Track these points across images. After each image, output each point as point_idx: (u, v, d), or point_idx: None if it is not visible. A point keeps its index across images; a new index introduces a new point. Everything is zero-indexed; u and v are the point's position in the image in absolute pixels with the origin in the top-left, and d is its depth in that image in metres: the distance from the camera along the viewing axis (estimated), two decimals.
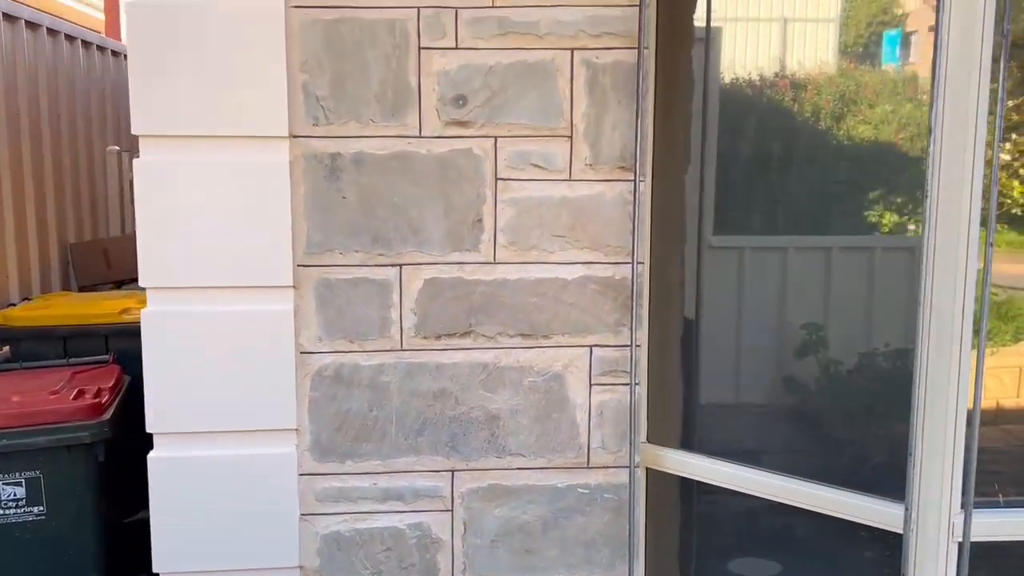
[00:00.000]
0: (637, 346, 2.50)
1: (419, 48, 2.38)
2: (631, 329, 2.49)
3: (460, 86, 2.39)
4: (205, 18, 2.30)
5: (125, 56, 6.42)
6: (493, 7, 2.37)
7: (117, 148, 5.87)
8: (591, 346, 2.53)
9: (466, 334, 2.50)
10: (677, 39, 2.49)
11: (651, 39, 2.42)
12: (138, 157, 2.36)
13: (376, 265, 2.46)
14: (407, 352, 2.50)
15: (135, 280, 5.12)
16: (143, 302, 4.05)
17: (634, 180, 2.43)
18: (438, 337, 2.50)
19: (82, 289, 5.17)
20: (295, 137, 2.39)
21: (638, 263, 2.46)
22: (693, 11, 2.52)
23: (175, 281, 2.40)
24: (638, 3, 2.35)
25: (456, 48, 2.38)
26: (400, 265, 2.47)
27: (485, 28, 2.37)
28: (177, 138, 2.34)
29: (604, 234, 2.48)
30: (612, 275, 2.50)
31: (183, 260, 2.39)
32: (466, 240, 2.47)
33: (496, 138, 2.43)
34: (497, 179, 2.44)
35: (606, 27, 2.38)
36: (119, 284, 5.15)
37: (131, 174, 5.73)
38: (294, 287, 2.43)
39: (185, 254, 2.38)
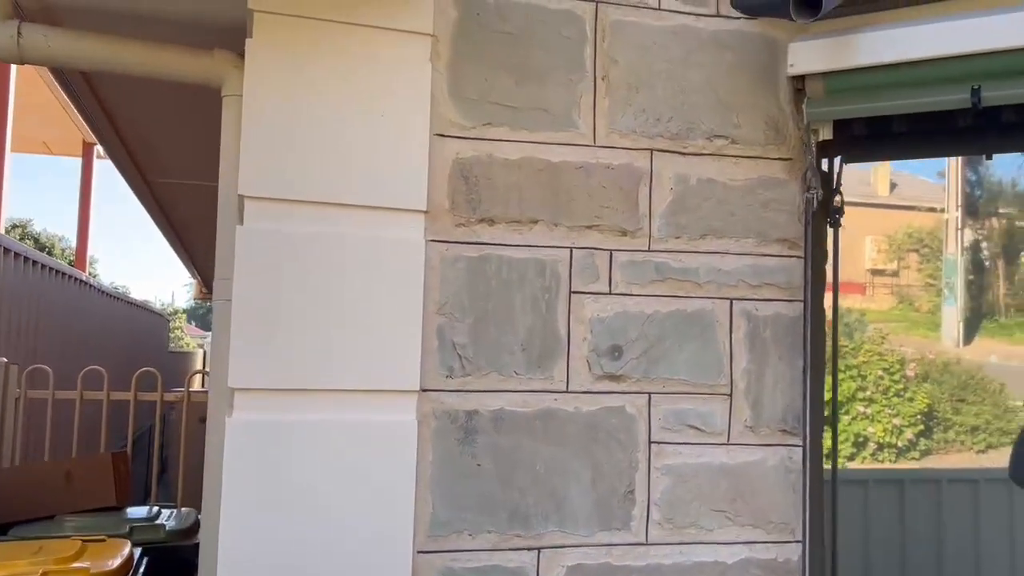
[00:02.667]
0: None
1: (570, 292, 2.07)
2: None
3: (615, 335, 2.08)
4: (329, 249, 1.90)
5: (16, 254, 5.67)
6: (649, 251, 2.12)
7: (5, 360, 4.99)
8: None
9: None
10: (819, 289, 2.34)
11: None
12: (231, 416, 1.83)
13: (511, 549, 1.98)
14: None
15: (24, 522, 4.19)
16: (62, 561, 3.24)
17: (803, 445, 2.15)
18: None
19: None
20: (425, 391, 1.96)
21: (807, 542, 2.13)
22: (825, 261, 2.39)
23: None
24: (802, 255, 2.19)
25: (610, 293, 2.09)
26: (539, 548, 2.00)
27: (642, 273, 2.11)
28: (284, 392, 1.85)
29: (766, 508, 2.14)
30: (775, 557, 2.14)
31: (273, 554, 1.81)
32: (616, 516, 2.05)
33: (650, 395, 2.10)
34: (651, 443, 2.09)
35: (766, 277, 2.19)
36: (4, 529, 4.16)
37: (18, 391, 4.93)
38: None
39: (277, 541, 1.82)
